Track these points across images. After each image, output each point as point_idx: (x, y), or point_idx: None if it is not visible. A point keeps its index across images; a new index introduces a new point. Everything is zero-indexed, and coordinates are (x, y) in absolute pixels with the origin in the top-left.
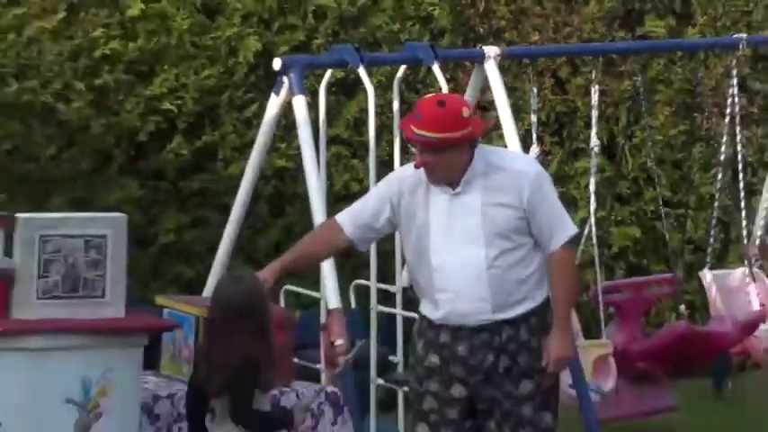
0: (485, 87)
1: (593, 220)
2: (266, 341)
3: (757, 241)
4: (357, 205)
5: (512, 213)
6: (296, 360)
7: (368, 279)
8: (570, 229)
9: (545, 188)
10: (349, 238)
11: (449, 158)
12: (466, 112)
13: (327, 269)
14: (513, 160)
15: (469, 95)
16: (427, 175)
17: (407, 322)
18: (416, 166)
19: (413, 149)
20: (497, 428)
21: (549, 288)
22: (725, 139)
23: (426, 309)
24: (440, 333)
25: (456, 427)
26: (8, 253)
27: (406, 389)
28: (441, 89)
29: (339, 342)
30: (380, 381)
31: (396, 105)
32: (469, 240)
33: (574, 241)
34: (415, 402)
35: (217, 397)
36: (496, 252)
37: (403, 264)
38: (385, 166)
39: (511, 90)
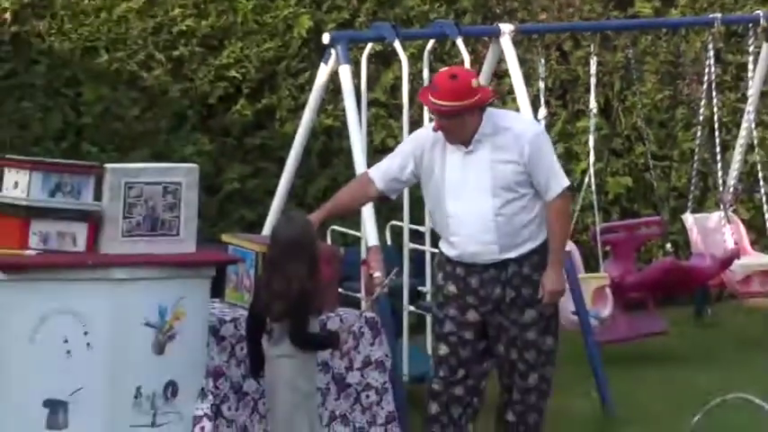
0: (500, 59)
1: (591, 171)
2: (316, 272)
3: (731, 189)
4: (386, 161)
5: (515, 168)
6: (340, 290)
7: (402, 221)
8: (563, 182)
9: (543, 147)
10: (379, 189)
11: (461, 123)
12: (475, 83)
13: (367, 212)
14: (516, 122)
15: (487, 65)
16: (444, 137)
17: (435, 257)
18: (434, 130)
19: (431, 115)
20: (505, 352)
21: (548, 232)
22: (703, 102)
23: (444, 247)
24: (456, 267)
25: (472, 347)
26: (97, 197)
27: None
28: (463, 60)
29: (377, 274)
30: (411, 308)
31: (426, 73)
32: (479, 192)
33: (568, 192)
34: (435, 325)
35: (277, 321)
36: (502, 202)
37: None
38: (416, 125)
39: (522, 61)
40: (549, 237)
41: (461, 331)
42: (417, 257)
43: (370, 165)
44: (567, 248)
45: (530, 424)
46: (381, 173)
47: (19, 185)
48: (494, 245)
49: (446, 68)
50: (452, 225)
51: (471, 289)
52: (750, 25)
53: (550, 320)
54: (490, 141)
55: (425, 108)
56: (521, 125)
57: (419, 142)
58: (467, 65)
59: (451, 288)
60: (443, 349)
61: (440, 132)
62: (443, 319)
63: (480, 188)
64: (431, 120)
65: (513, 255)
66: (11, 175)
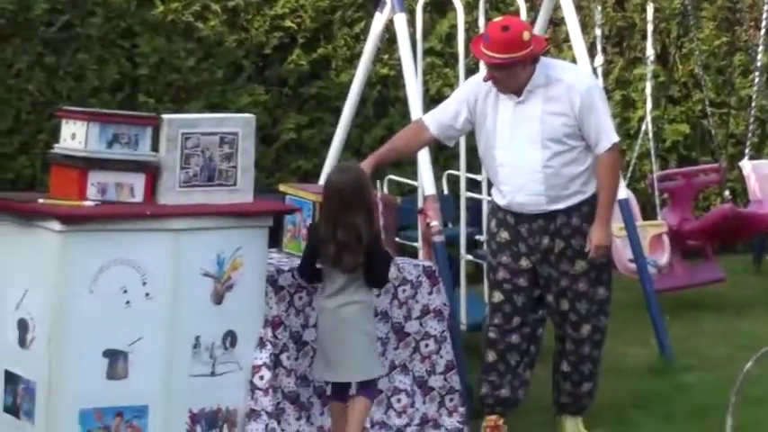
0: (556, 6)
1: (649, 118)
2: (373, 218)
3: None
4: (441, 108)
5: (565, 121)
6: (397, 239)
7: (458, 170)
8: (613, 137)
9: (594, 100)
10: (434, 135)
11: (512, 74)
12: (527, 35)
13: (423, 160)
14: (569, 74)
15: (543, 13)
16: (496, 87)
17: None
18: (485, 80)
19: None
20: (555, 302)
21: (597, 185)
22: (761, 48)
23: (495, 194)
24: (507, 214)
25: (526, 294)
26: (155, 148)
27: None
28: (519, 9)
29: (434, 223)
30: (469, 257)
31: (481, 22)
32: (529, 143)
33: (618, 146)
34: (490, 273)
35: (350, 272)
36: (551, 154)
37: None
38: (472, 74)
39: (578, 8)
40: (598, 191)
41: (515, 278)
42: (474, 206)
43: (425, 113)
44: (625, 196)
45: (584, 373)
46: (436, 119)
47: (76, 137)
48: (541, 196)
49: (499, 19)
50: (501, 174)
51: (522, 237)
52: None
53: (602, 270)
54: (542, 92)
55: None
56: (573, 77)
57: (473, 90)
58: (522, 13)
59: (504, 235)
60: (498, 297)
61: (490, 85)
62: (497, 266)
63: (530, 139)
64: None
65: (561, 206)
66: (68, 127)
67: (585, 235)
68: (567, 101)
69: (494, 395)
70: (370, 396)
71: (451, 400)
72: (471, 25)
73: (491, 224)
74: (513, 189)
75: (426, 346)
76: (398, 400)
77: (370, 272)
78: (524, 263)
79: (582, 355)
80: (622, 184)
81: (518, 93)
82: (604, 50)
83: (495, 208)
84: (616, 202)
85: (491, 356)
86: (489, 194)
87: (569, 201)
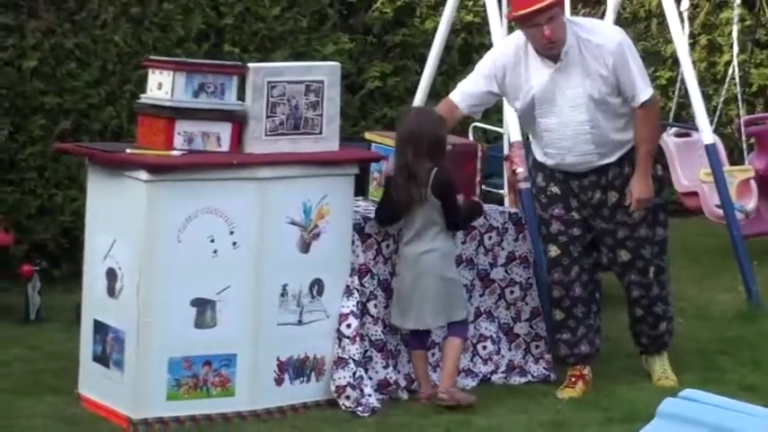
0: None
1: (735, 62)
2: (442, 159)
3: None
4: (468, 84)
5: (603, 80)
6: (484, 187)
7: None
8: (648, 90)
9: (626, 56)
10: (464, 113)
11: (559, 24)
12: None
13: (508, 107)
14: (598, 33)
15: None
16: (549, 48)
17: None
18: (546, 38)
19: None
20: (612, 254)
21: (635, 138)
22: None
23: (538, 154)
24: (555, 170)
25: (580, 242)
26: (240, 98)
27: None
28: None
29: (520, 170)
30: None
31: None
32: (572, 107)
33: (654, 99)
34: (542, 227)
35: (420, 207)
36: (595, 114)
37: None
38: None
39: None
40: (637, 144)
41: (569, 228)
42: None
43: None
44: (711, 141)
45: (658, 314)
46: (463, 98)
47: (163, 86)
48: (591, 155)
49: None
50: (547, 138)
51: (573, 192)
52: None
53: (657, 211)
54: (577, 55)
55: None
56: (602, 36)
57: (499, 62)
58: None
59: (555, 189)
60: (554, 250)
61: (521, 50)
62: (549, 219)
63: (573, 103)
64: (575, 10)
65: (612, 159)
66: (155, 77)
67: (627, 183)
68: (602, 60)
69: (573, 353)
70: (461, 335)
71: (537, 347)
72: None
73: (538, 179)
74: (562, 152)
75: (512, 293)
76: (484, 348)
77: (446, 214)
78: (577, 214)
79: (651, 297)
80: (709, 129)
81: (554, 58)
82: None
83: (541, 163)
84: (702, 146)
85: (558, 315)
86: None
87: (618, 152)
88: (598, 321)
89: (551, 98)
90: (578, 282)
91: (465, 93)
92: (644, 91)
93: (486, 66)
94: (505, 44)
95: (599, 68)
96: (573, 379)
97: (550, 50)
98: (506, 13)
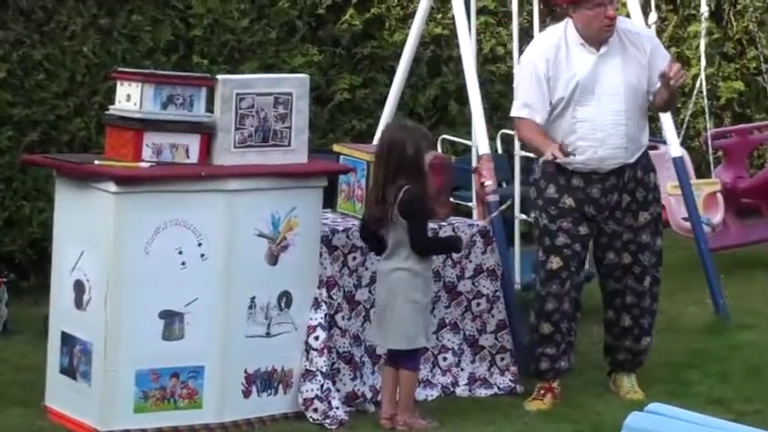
0: None
1: (703, 76)
2: (425, 178)
3: None
4: (530, 98)
5: (641, 69)
6: (452, 199)
7: (512, 129)
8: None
9: (659, 43)
10: (544, 124)
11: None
12: None
13: (478, 120)
14: (632, 24)
15: None
16: (605, 30)
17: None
18: (610, 18)
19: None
20: (617, 257)
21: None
22: None
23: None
24: (572, 178)
25: (579, 258)
26: (209, 109)
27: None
28: None
29: (488, 183)
30: (523, 216)
31: None
32: (612, 96)
33: None
34: (546, 238)
35: (390, 229)
36: (631, 106)
37: None
38: (525, 32)
39: None
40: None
41: (574, 243)
42: (528, 166)
43: (479, 72)
44: (679, 154)
45: (644, 327)
46: (538, 111)
47: (131, 98)
48: (623, 150)
49: None
50: (581, 130)
51: (592, 199)
52: None
53: (658, 221)
54: (619, 44)
55: (535, 15)
56: (636, 26)
57: (542, 60)
58: None
59: (569, 201)
60: (556, 263)
61: (561, 41)
62: (557, 231)
63: (612, 91)
64: (544, 26)
65: (632, 160)
66: (123, 88)
67: (647, 186)
68: (641, 49)
69: (554, 368)
70: (411, 368)
71: (503, 359)
72: None
73: (548, 190)
74: (594, 144)
75: (478, 305)
76: (444, 359)
77: (410, 236)
78: (583, 229)
79: (643, 307)
80: (677, 143)
81: (599, 46)
82: (658, 8)
83: (553, 173)
84: (670, 159)
85: (546, 328)
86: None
87: (638, 153)
88: (575, 338)
89: (592, 86)
90: (568, 297)
91: (536, 106)
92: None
93: (531, 67)
94: (540, 42)
95: (638, 56)
96: (542, 392)
97: (608, 32)
98: None
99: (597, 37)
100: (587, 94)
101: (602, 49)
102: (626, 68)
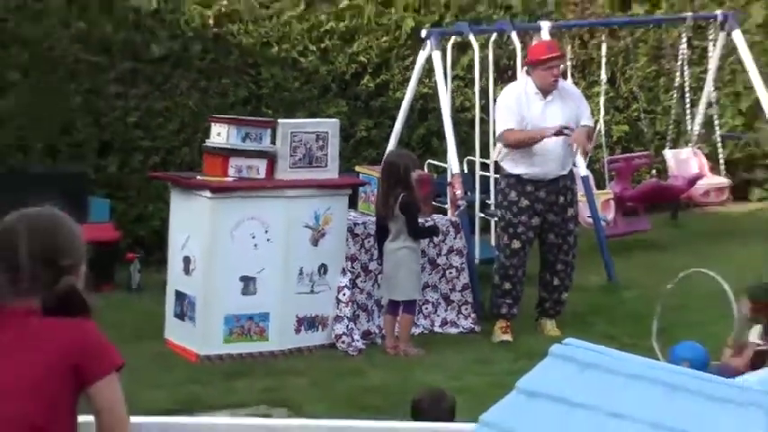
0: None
1: (602, 121)
2: (413, 188)
3: (696, 133)
4: (511, 119)
5: (573, 115)
6: (434, 203)
7: (474, 156)
8: (590, 120)
9: (584, 99)
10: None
11: (560, 71)
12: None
13: (451, 151)
14: (570, 84)
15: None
16: (552, 84)
17: (500, 183)
18: (555, 77)
19: (545, 74)
20: (555, 238)
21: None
22: (678, 73)
23: (520, 169)
24: (526, 185)
25: (530, 241)
26: (273, 142)
27: (496, 219)
28: (515, 48)
29: (458, 192)
30: (481, 214)
31: (490, 56)
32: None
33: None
34: (510, 228)
35: (393, 220)
36: (565, 138)
37: (494, 144)
38: (484, 91)
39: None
40: (581, 131)
41: (528, 231)
42: (485, 180)
43: (452, 118)
44: (585, 174)
45: (566, 285)
46: (519, 124)
47: (221, 134)
48: (561, 165)
49: (543, 40)
50: (537, 153)
51: (539, 198)
52: (710, 20)
53: (576, 216)
54: (558, 95)
55: (491, 80)
56: (570, 86)
57: (517, 101)
58: (518, 51)
59: (525, 202)
60: (517, 244)
61: (522, 92)
62: (517, 223)
63: (555, 126)
64: (500, 88)
65: (566, 172)
66: (216, 128)
67: (572, 191)
68: (575, 102)
69: (510, 312)
70: (411, 312)
71: (466, 309)
72: (483, 59)
73: (511, 194)
74: (548, 161)
75: (450, 273)
76: (426, 308)
77: (406, 226)
78: (535, 221)
79: (567, 272)
80: (583, 165)
81: (546, 94)
82: (572, 75)
83: (514, 183)
84: (579, 177)
85: (507, 286)
86: (496, 172)
87: (568, 167)
88: (522, 295)
89: (542, 123)
90: (522, 267)
91: (516, 124)
92: (588, 119)
93: (510, 106)
94: (511, 90)
95: (572, 105)
96: (506, 329)
97: (554, 86)
98: (526, 59)
99: (546, 89)
100: (540, 127)
101: (548, 98)
102: (563, 113)
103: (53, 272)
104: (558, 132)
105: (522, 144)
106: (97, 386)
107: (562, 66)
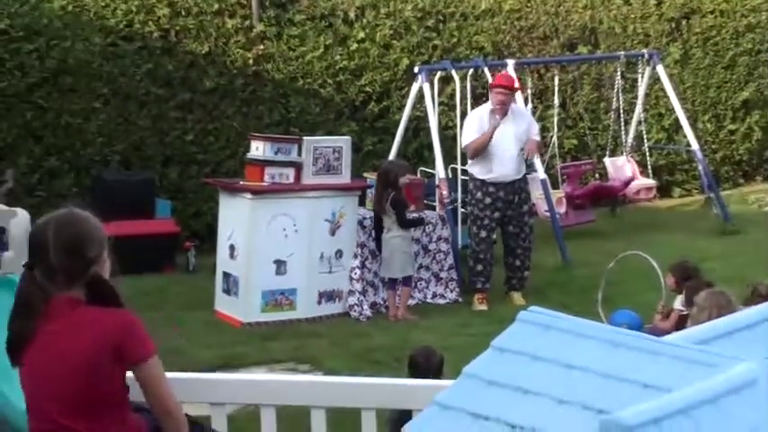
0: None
1: (555, 136)
2: (400, 190)
3: (629, 145)
4: (474, 134)
5: (524, 132)
6: (425, 201)
7: (457, 164)
8: (538, 136)
9: (532, 119)
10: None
11: (510, 98)
12: (516, 82)
13: (438, 160)
14: (520, 108)
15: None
16: (500, 109)
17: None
18: (499, 103)
19: (495, 97)
20: (513, 228)
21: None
22: (614, 99)
23: (482, 173)
24: (488, 186)
25: (493, 231)
26: (299, 154)
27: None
28: (489, 80)
29: (444, 193)
30: (462, 209)
31: (469, 87)
32: (509, 144)
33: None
34: (477, 221)
35: (387, 215)
36: (520, 150)
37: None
38: (463, 116)
39: (519, 78)
40: (533, 143)
41: (491, 223)
42: (464, 183)
43: (441, 137)
44: (543, 177)
45: (526, 264)
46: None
47: (258, 149)
48: (516, 171)
49: (503, 73)
50: (495, 161)
51: (500, 197)
52: (639, 57)
53: (531, 210)
54: (512, 117)
55: (469, 106)
56: (522, 108)
57: (480, 121)
58: (490, 82)
59: (488, 200)
60: (484, 233)
61: (485, 113)
62: (484, 217)
63: (510, 142)
64: (479, 106)
65: (520, 176)
66: (254, 143)
67: (526, 191)
68: (525, 119)
69: (484, 287)
70: (409, 285)
71: (452, 284)
72: (463, 90)
73: (477, 194)
74: (504, 168)
75: (438, 256)
76: (420, 284)
77: (396, 220)
78: (496, 215)
79: (526, 255)
80: (541, 170)
81: (502, 116)
82: (532, 101)
83: (479, 185)
84: (538, 180)
85: (480, 267)
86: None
87: (522, 172)
88: (492, 273)
89: (499, 137)
90: (490, 251)
91: (477, 134)
92: (536, 135)
93: (473, 123)
94: (477, 111)
95: (522, 124)
96: (482, 300)
97: (502, 109)
98: (491, 82)
99: (495, 109)
100: (496, 142)
101: (504, 118)
102: (517, 129)
103: (82, 263)
104: (493, 129)
105: (479, 146)
106: (141, 367)
107: (523, 93)
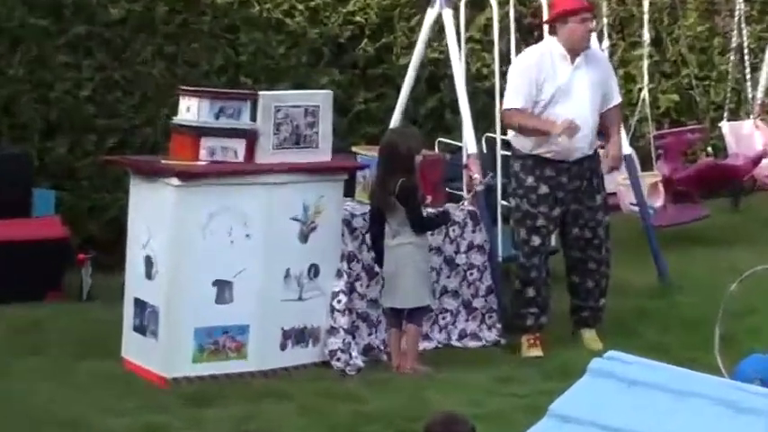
0: None
1: (646, 90)
2: (414, 174)
3: (759, 101)
4: (522, 94)
5: (603, 82)
6: (447, 189)
7: (494, 133)
8: (619, 97)
9: (610, 66)
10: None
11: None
12: None
13: (467, 126)
14: (596, 48)
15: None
16: (586, 40)
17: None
18: (585, 39)
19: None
20: (580, 232)
21: (611, 123)
22: (735, 32)
23: (540, 149)
24: (545, 169)
25: (550, 236)
26: (253, 118)
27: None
28: (541, 5)
29: (476, 176)
30: (504, 202)
31: (511, 14)
32: (584, 101)
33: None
34: (528, 220)
35: (391, 211)
36: (594, 107)
37: None
38: (503, 57)
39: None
40: (614, 129)
41: (549, 224)
42: (506, 162)
43: (468, 89)
44: (628, 152)
45: (603, 288)
46: (527, 105)
47: (191, 110)
48: (586, 143)
49: None
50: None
51: (561, 184)
52: None
53: (606, 202)
54: (584, 59)
55: (512, 43)
56: (597, 50)
57: (534, 70)
58: (545, 6)
59: (544, 189)
60: (537, 240)
61: (545, 56)
62: (537, 214)
63: (585, 98)
64: (519, 49)
65: (591, 152)
66: (184, 102)
67: (598, 174)
68: (603, 67)
69: (537, 323)
70: (417, 323)
71: (491, 317)
72: (503, 17)
73: (527, 180)
74: (569, 139)
75: (471, 274)
76: (443, 318)
77: (408, 218)
78: (556, 212)
79: (602, 272)
80: (626, 142)
81: (574, 58)
82: (610, 36)
83: (530, 165)
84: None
85: (531, 292)
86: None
87: (595, 146)
88: (550, 299)
89: (569, 90)
90: (545, 267)
91: (526, 101)
92: (618, 96)
93: (527, 72)
94: (532, 54)
95: (603, 73)
96: (535, 341)
97: (586, 43)
98: (549, 16)
99: (578, 47)
100: (564, 96)
101: (577, 61)
102: (592, 78)
103: None
104: (568, 129)
105: (529, 129)
106: None
107: (596, 24)
